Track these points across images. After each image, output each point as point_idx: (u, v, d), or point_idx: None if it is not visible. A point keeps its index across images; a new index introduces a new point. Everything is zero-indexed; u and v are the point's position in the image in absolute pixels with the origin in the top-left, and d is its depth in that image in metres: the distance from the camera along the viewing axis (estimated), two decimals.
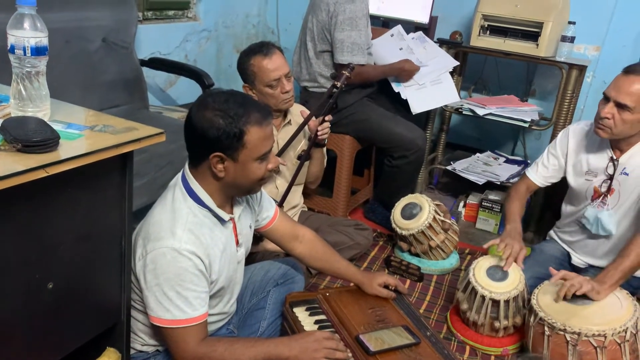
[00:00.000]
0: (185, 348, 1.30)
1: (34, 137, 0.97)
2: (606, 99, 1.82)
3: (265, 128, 1.30)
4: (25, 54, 1.05)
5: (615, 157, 1.92)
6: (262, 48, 1.96)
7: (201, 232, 1.32)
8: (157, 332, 1.39)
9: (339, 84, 2.11)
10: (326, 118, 2.10)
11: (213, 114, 1.26)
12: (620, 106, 1.77)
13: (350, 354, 1.40)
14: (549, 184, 2.15)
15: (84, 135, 1.11)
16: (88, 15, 2.09)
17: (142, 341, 1.44)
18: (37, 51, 1.06)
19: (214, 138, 1.26)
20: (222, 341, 1.34)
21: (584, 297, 1.68)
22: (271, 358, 1.33)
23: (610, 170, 1.93)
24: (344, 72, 2.13)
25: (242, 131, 1.26)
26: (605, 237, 2.00)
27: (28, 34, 1.04)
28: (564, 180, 2.11)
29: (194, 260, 1.28)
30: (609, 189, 1.94)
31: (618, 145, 1.92)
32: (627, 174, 1.91)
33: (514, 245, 1.88)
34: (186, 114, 1.34)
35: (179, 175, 1.39)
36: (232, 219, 1.42)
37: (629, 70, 1.79)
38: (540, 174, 2.11)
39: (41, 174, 0.94)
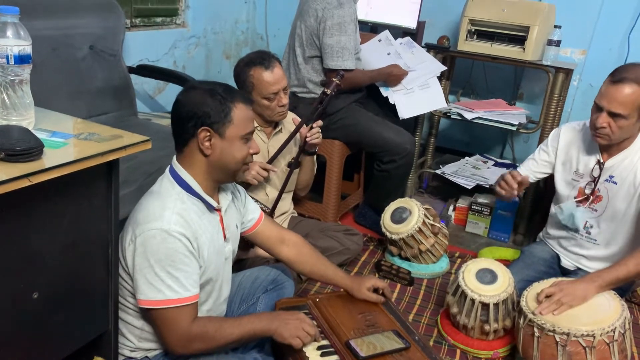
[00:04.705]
0: (177, 329, 1.31)
1: (18, 146, 0.97)
2: (598, 108, 1.83)
3: (249, 109, 1.39)
4: (8, 63, 1.04)
5: (602, 161, 1.94)
6: (264, 60, 1.96)
7: (189, 217, 1.34)
8: (150, 326, 1.39)
9: (329, 91, 2.11)
10: (314, 124, 2.10)
11: (202, 93, 1.35)
12: (614, 115, 1.79)
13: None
14: (537, 179, 2.17)
15: (68, 143, 1.10)
16: (75, 23, 2.08)
17: (131, 346, 1.42)
18: (21, 59, 1.06)
19: (202, 114, 1.33)
20: (212, 321, 1.38)
21: None
22: (256, 333, 1.39)
23: (596, 173, 1.95)
24: (334, 79, 2.14)
25: (229, 107, 1.34)
26: (593, 243, 2.03)
27: (11, 42, 1.04)
28: (553, 182, 2.13)
29: (183, 241, 1.30)
30: (593, 192, 1.96)
31: (608, 148, 1.94)
32: (615, 183, 1.93)
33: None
34: None
35: (167, 168, 1.43)
36: (219, 210, 1.44)
37: (617, 79, 1.79)
38: (530, 169, 2.14)
39: (25, 183, 0.93)
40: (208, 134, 1.34)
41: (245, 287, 1.67)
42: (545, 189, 2.57)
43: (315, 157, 2.26)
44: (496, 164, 3.00)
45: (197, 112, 1.32)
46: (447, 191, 3.03)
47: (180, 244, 1.30)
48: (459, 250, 2.57)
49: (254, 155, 1.45)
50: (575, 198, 2.03)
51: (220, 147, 1.36)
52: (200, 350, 1.35)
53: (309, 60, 2.49)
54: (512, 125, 2.65)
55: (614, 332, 1.59)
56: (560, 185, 2.08)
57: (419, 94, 2.62)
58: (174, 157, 1.41)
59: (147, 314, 1.35)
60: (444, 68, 2.71)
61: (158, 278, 1.29)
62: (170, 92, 2.88)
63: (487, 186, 2.69)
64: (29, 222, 1.02)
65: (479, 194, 2.79)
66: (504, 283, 1.81)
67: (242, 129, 1.36)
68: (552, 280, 1.80)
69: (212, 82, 1.40)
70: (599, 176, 1.95)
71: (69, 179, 1.03)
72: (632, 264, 1.72)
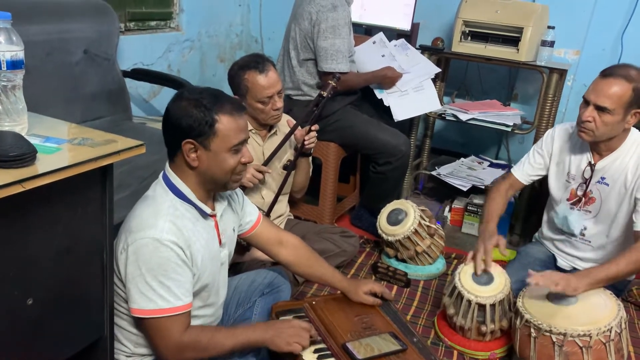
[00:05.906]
0: (169, 338, 1.30)
1: (10, 152, 0.96)
2: (586, 102, 1.85)
3: (238, 119, 1.34)
4: (0, 68, 1.04)
5: (593, 162, 1.95)
6: (258, 64, 1.96)
7: (183, 224, 1.33)
8: (143, 334, 1.38)
9: (325, 94, 2.11)
10: (312, 127, 2.10)
11: (187, 104, 1.32)
12: (600, 109, 1.80)
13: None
14: (532, 182, 2.18)
15: (62, 148, 1.10)
16: (69, 27, 2.08)
17: (127, 351, 1.42)
18: (13, 65, 1.05)
19: (186, 126, 1.30)
20: (205, 331, 1.37)
21: (569, 297, 1.69)
22: (250, 343, 1.39)
23: (587, 175, 1.96)
24: (330, 81, 2.14)
25: (213, 119, 1.31)
26: (587, 245, 2.03)
27: (3, 47, 1.04)
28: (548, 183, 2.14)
29: (175, 250, 1.29)
30: (585, 194, 1.97)
31: (598, 149, 1.95)
32: (607, 185, 1.94)
33: (479, 249, 1.86)
34: None
35: (161, 174, 1.42)
36: (213, 215, 1.43)
37: (606, 74, 1.82)
38: (526, 172, 2.14)
39: (18, 189, 0.93)
40: (192, 146, 1.32)
41: (241, 290, 1.67)
42: (540, 190, 2.58)
43: (310, 158, 2.26)
44: (491, 165, 3.01)
45: (181, 124, 1.30)
46: (443, 192, 3.03)
47: (172, 253, 1.29)
48: (455, 251, 2.57)
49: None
50: (567, 200, 2.04)
51: (206, 159, 1.33)
52: (192, 359, 1.34)
53: (303, 63, 2.49)
54: (507, 126, 2.66)
55: (611, 332, 1.59)
56: (553, 186, 2.09)
57: (414, 96, 2.62)
58: (167, 163, 1.40)
59: (140, 322, 1.35)
60: (438, 70, 2.71)
61: (150, 287, 1.28)
62: (165, 96, 2.87)
63: (483, 187, 2.70)
64: (22, 228, 1.02)
65: (475, 195, 2.79)
66: (501, 284, 1.81)
67: (229, 141, 1.33)
68: None
69: (202, 90, 1.36)
70: (591, 178, 1.96)
71: (62, 185, 1.02)
72: (623, 263, 1.71)
